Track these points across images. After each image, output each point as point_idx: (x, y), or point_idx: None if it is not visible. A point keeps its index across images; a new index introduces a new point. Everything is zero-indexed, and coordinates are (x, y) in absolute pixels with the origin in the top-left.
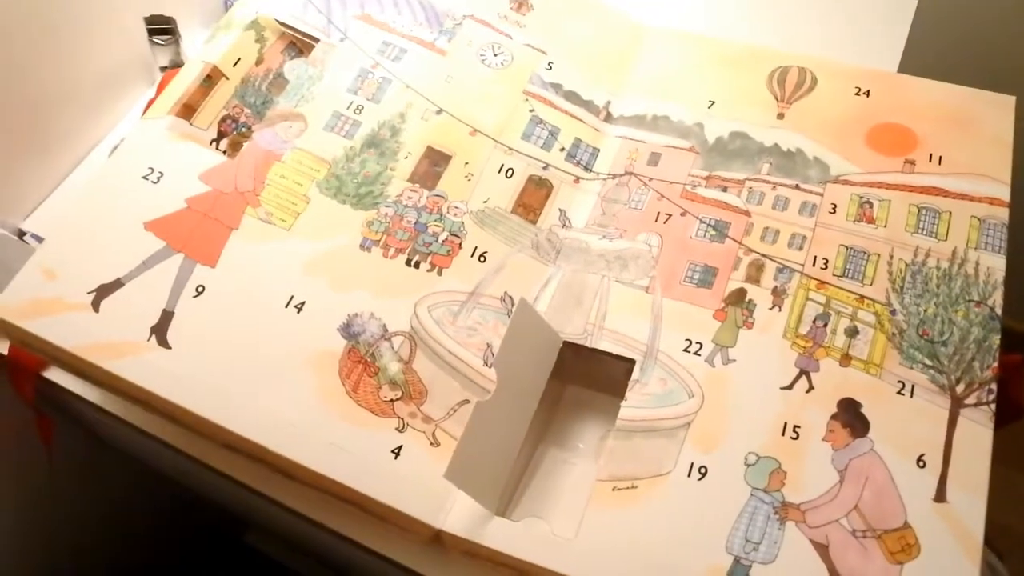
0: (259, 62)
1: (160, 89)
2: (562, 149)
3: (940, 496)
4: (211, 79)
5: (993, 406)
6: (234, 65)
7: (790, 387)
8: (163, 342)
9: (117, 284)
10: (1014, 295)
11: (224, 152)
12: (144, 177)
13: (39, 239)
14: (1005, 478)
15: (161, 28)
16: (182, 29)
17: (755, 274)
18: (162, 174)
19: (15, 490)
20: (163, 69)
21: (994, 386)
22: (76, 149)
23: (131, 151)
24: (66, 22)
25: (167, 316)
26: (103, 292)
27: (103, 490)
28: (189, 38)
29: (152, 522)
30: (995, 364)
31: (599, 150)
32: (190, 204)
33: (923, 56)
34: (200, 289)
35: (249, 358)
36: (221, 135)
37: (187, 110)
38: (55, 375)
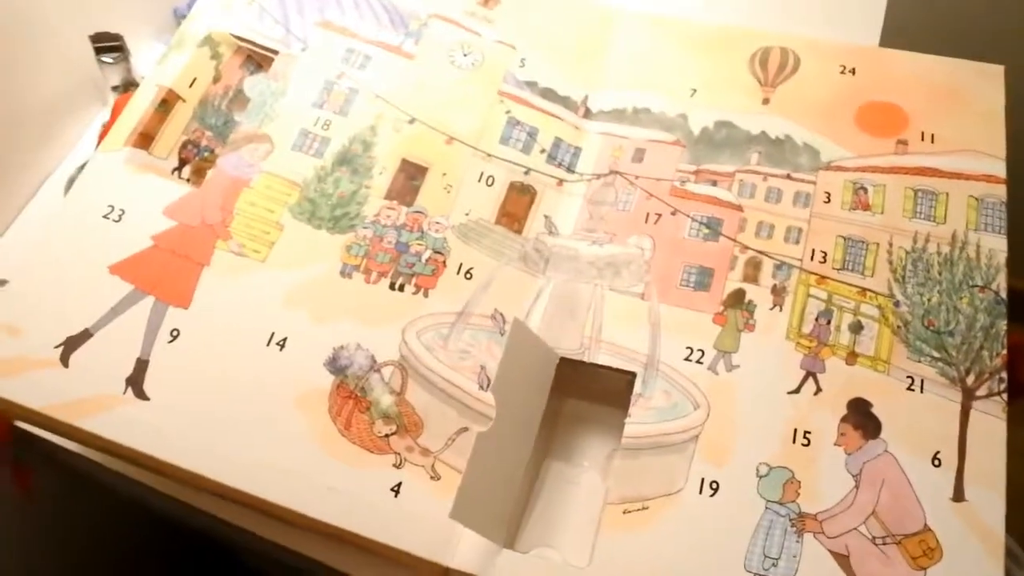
0: (217, 80)
1: (114, 115)
2: (542, 151)
3: (958, 495)
4: (167, 103)
5: (1005, 396)
6: (190, 86)
7: (797, 391)
8: (140, 393)
9: (86, 335)
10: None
11: (188, 180)
12: (105, 216)
13: None
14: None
15: (109, 46)
16: (131, 44)
17: (752, 273)
18: (123, 211)
19: None
20: (115, 89)
21: (1004, 375)
22: (30, 181)
23: (88, 188)
24: (5, 48)
25: (142, 365)
26: (71, 345)
27: (84, 520)
28: (140, 54)
29: (137, 550)
30: (1004, 351)
31: (581, 149)
32: (156, 242)
33: (904, 26)
34: (175, 333)
35: (233, 403)
36: (183, 162)
37: (144, 139)
38: (29, 425)
